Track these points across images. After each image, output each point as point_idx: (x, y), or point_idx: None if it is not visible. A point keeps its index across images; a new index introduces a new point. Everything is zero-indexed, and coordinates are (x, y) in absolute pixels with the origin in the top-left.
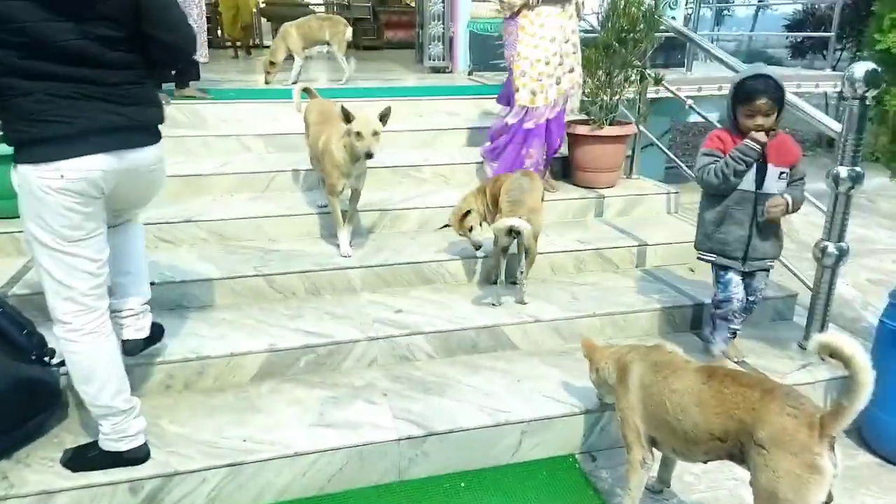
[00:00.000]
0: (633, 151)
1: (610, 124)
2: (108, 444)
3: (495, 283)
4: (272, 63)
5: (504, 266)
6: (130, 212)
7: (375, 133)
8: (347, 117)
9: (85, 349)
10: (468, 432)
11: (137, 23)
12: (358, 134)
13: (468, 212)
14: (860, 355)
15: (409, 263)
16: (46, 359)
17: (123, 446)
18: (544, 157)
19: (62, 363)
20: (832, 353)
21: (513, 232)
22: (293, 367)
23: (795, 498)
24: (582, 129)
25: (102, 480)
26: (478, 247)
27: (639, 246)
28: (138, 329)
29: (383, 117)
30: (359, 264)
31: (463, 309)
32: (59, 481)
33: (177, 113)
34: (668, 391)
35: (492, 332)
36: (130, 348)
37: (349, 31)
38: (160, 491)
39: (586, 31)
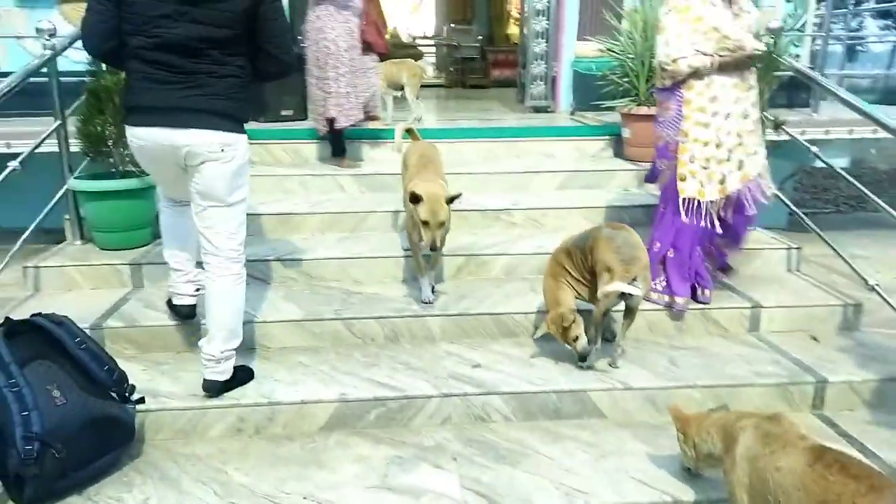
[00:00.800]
0: None
1: None
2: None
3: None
4: None
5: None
6: (213, 239)
7: (442, 224)
8: (415, 198)
9: None
10: None
11: (245, 32)
12: (424, 223)
13: (573, 321)
14: None
15: (491, 314)
16: (125, 395)
17: None
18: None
19: (141, 400)
20: None
21: (626, 295)
22: (363, 419)
23: None
24: None
25: None
26: (584, 357)
27: (752, 308)
28: (216, 373)
29: (452, 200)
30: (439, 312)
31: (546, 368)
32: None
33: (281, 152)
34: (772, 468)
35: (576, 398)
36: (207, 388)
37: (423, 74)
38: None
39: None
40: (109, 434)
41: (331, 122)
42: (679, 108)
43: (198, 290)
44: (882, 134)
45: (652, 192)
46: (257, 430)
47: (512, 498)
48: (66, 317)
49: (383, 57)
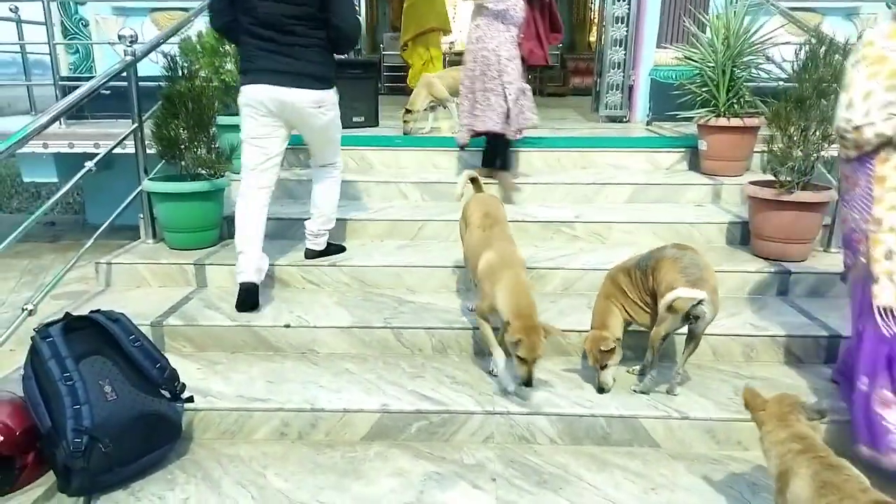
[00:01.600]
0: (834, 220)
1: (803, 188)
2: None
3: (643, 372)
4: (409, 111)
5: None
6: (317, 155)
7: (537, 360)
8: (515, 340)
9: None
10: None
11: (319, 9)
12: (520, 360)
13: (612, 348)
14: None
15: None
16: (176, 393)
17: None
18: None
19: (190, 399)
20: None
21: (691, 316)
22: (404, 431)
23: None
24: (766, 193)
25: None
26: (602, 390)
27: (829, 337)
28: (315, 245)
29: (547, 335)
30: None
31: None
32: None
33: (348, 158)
34: None
35: (627, 424)
36: (307, 255)
37: None
38: None
39: (785, 80)
40: (156, 431)
41: (485, 133)
42: (869, 185)
43: (258, 270)
44: None
45: (727, 208)
46: (300, 435)
47: None
48: (122, 314)
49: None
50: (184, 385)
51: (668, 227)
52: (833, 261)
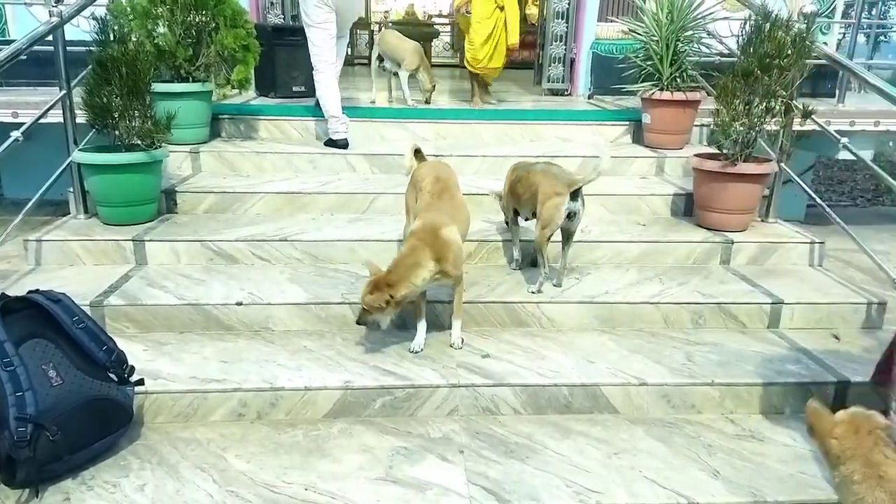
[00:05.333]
0: (772, 192)
1: (745, 160)
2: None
3: (516, 266)
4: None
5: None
6: (343, 30)
7: (365, 304)
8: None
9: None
10: None
11: None
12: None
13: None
14: None
15: (502, 303)
16: (124, 377)
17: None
18: None
19: (140, 382)
20: None
21: (570, 213)
22: (368, 408)
23: None
24: (711, 165)
25: None
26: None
27: (772, 304)
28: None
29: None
30: (449, 299)
31: (558, 360)
32: None
33: (291, 129)
34: None
35: (588, 392)
36: (342, 143)
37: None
38: None
39: (724, 56)
40: (106, 416)
41: None
42: None
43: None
44: None
45: (670, 180)
46: (259, 415)
47: (520, 495)
48: (63, 294)
49: None
50: (133, 368)
51: (616, 200)
52: (771, 230)
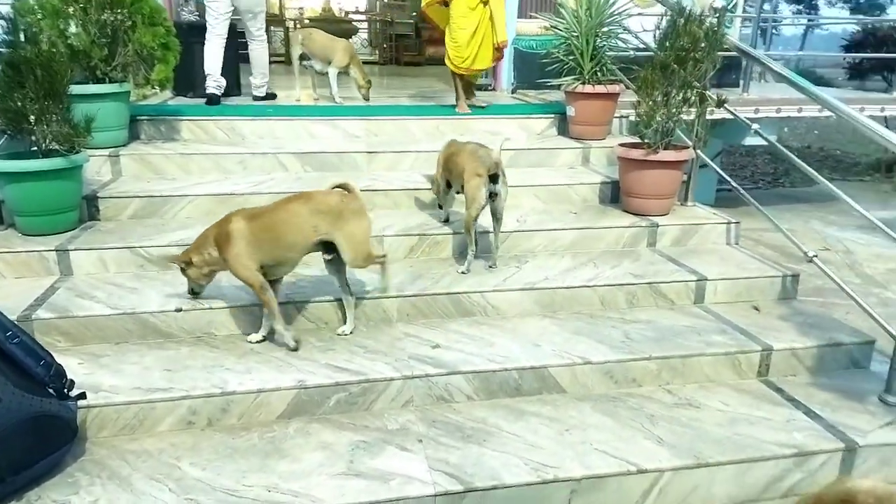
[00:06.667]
0: (690, 177)
1: (666, 148)
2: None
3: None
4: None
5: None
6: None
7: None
8: None
9: None
10: (511, 489)
11: None
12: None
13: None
14: None
15: (448, 294)
16: (64, 391)
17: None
18: None
19: (82, 395)
20: None
21: (491, 194)
22: (323, 405)
23: None
24: (635, 153)
25: None
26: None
27: (697, 280)
28: (259, 92)
29: None
30: (395, 293)
31: (505, 346)
32: None
33: (216, 129)
34: None
35: (537, 374)
36: (254, 99)
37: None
38: None
39: (639, 50)
40: (49, 434)
41: None
42: None
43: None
44: (805, 112)
45: (596, 169)
46: (210, 422)
47: (481, 476)
48: None
49: None
50: (72, 382)
51: (547, 189)
52: (691, 213)
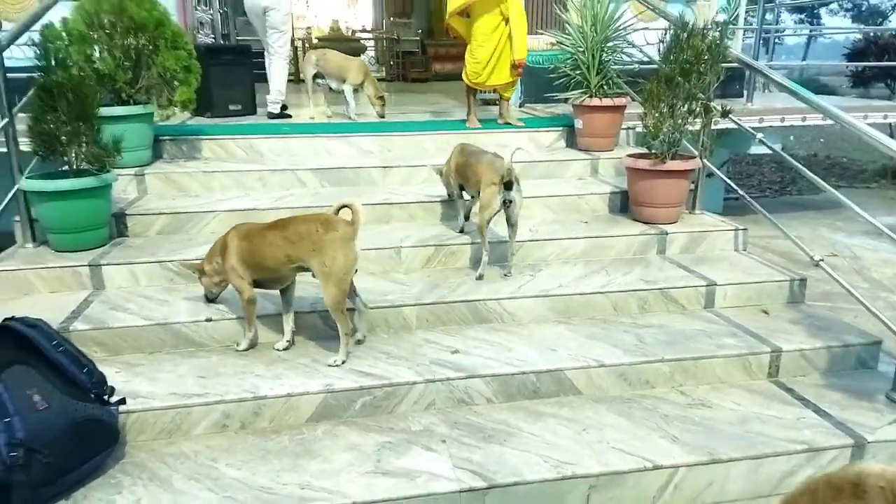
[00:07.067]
0: (697, 186)
1: (672, 158)
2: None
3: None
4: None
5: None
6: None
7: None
8: None
9: None
10: (532, 486)
11: None
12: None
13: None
14: None
15: (465, 301)
16: (105, 397)
17: None
18: None
19: (122, 401)
20: None
21: (505, 201)
22: (349, 409)
23: None
24: (643, 164)
25: None
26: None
27: (707, 286)
28: (273, 108)
29: None
30: (414, 302)
31: (522, 351)
32: None
33: (235, 147)
34: None
35: (554, 377)
36: (269, 116)
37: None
38: None
39: (644, 63)
40: (94, 437)
41: None
42: None
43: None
44: (809, 121)
45: (605, 180)
46: (243, 425)
47: (503, 473)
48: (39, 319)
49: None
50: (113, 388)
51: (558, 200)
52: (699, 221)
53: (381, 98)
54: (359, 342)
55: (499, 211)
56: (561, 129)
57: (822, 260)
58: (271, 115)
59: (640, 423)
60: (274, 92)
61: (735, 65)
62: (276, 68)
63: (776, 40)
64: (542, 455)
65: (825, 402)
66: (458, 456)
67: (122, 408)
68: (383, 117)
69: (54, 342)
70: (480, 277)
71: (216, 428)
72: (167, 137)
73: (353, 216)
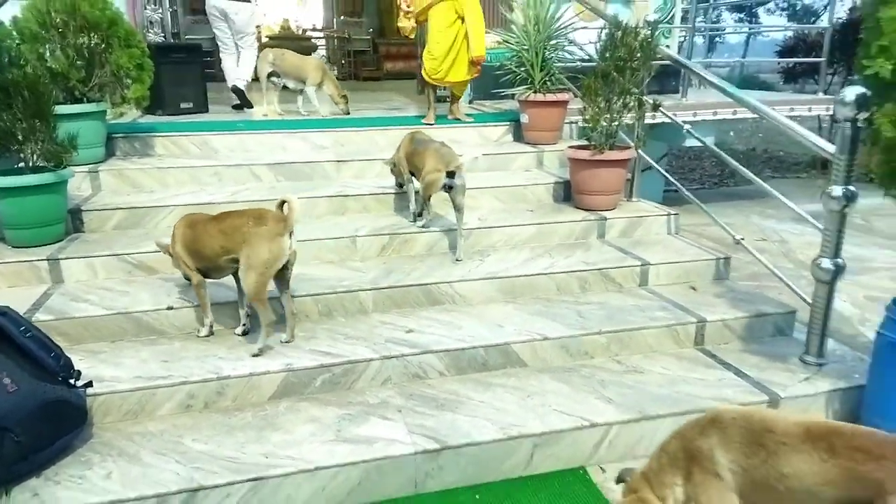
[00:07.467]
0: (633, 175)
1: (610, 149)
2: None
3: (413, 219)
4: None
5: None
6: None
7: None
8: None
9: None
10: (481, 446)
11: None
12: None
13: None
14: None
15: (419, 285)
16: (72, 381)
17: None
18: None
19: (88, 384)
20: None
21: (447, 186)
22: (309, 386)
23: None
24: (583, 154)
25: (130, 496)
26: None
27: (642, 266)
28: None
29: None
30: (370, 286)
31: (472, 328)
32: (88, 497)
33: (189, 144)
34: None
35: (501, 350)
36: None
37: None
38: None
39: (584, 61)
40: (62, 417)
41: None
42: None
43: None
44: (739, 115)
45: (549, 171)
46: (207, 404)
47: (455, 436)
48: (8, 307)
49: None
50: (80, 372)
51: (505, 190)
52: (635, 207)
53: (345, 97)
54: (287, 342)
55: (440, 190)
56: (508, 123)
57: (743, 238)
58: (236, 90)
59: (579, 389)
60: (245, 72)
61: (667, 62)
62: (248, 55)
63: (718, 38)
64: (491, 419)
65: (745, 365)
66: (413, 423)
67: (89, 390)
68: (348, 114)
69: (22, 328)
70: (425, 227)
71: (181, 408)
72: (120, 135)
73: (289, 212)
